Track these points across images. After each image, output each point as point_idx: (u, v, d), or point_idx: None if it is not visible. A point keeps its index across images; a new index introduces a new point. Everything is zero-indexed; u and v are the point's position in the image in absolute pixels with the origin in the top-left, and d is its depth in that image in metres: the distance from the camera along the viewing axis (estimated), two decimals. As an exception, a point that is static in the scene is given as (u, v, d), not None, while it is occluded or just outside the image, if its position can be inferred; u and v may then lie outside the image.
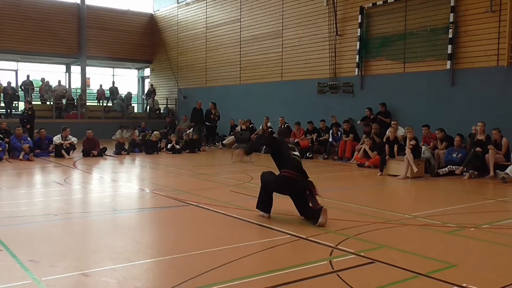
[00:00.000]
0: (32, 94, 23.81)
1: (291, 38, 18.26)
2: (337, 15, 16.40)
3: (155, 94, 26.54)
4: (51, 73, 26.47)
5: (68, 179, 10.41)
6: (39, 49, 24.09)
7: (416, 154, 11.09)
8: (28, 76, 23.84)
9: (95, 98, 26.25)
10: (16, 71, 25.70)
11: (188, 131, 18.82)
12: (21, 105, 23.84)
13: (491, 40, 12.55)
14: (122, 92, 26.45)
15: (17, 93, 22.85)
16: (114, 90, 26.03)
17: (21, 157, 13.80)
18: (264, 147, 17.18)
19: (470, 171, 10.74)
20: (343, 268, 4.41)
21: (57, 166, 12.72)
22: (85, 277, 4.17)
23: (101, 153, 15.23)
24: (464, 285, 3.99)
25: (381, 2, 15.05)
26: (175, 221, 6.61)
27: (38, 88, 24.63)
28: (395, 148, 11.73)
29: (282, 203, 6.70)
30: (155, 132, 18.35)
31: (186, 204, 7.50)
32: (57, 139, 14.93)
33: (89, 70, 26.64)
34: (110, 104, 25.65)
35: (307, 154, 15.04)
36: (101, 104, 25.67)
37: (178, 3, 25.22)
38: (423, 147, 12.01)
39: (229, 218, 6.57)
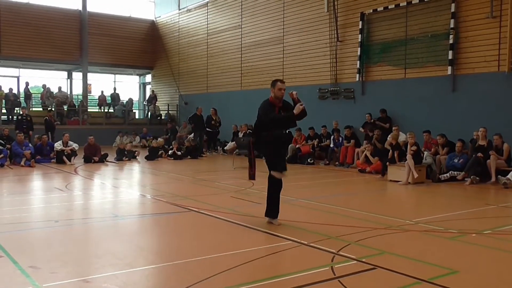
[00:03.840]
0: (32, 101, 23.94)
1: (292, 44, 18.30)
2: (338, 21, 16.44)
3: (156, 100, 26.60)
4: (53, 79, 26.55)
5: (69, 185, 10.41)
6: (40, 55, 24.15)
7: (417, 159, 11.08)
8: (27, 84, 23.83)
9: (96, 105, 26.31)
10: (17, 77, 25.76)
11: (189, 137, 18.84)
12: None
13: (491, 45, 12.55)
14: (124, 98, 26.51)
15: (18, 100, 22.90)
16: (115, 96, 26.10)
17: (22, 163, 13.83)
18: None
19: (471, 177, 10.72)
20: (345, 274, 4.39)
21: (58, 172, 12.73)
22: (86, 283, 4.16)
23: (102, 159, 15.25)
24: (466, 291, 3.98)
25: (382, 8, 15.09)
26: (176, 227, 6.60)
27: (39, 95, 24.70)
28: (396, 154, 11.74)
29: (285, 209, 6.69)
30: (159, 139, 18.38)
31: (187, 210, 7.50)
32: (58, 145, 14.96)
33: (91, 77, 26.72)
34: (111, 110, 25.71)
35: (308, 160, 15.03)
36: (102, 110, 25.72)
37: (179, 9, 25.31)
38: (425, 153, 12.00)
39: (230, 224, 6.56)
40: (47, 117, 18.93)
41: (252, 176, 6.68)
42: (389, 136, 13.09)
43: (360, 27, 15.67)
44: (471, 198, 9.41)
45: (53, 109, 22.84)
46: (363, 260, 4.83)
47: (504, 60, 12.21)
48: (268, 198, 6.47)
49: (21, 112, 19.01)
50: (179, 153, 16.83)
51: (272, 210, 6.43)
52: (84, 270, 4.54)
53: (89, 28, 25.28)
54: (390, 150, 12.10)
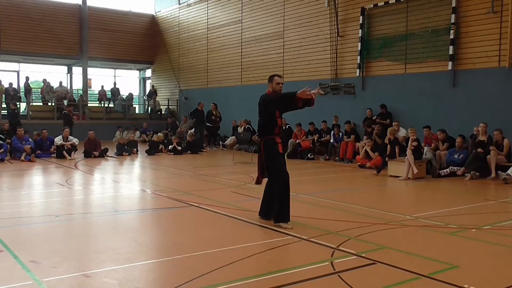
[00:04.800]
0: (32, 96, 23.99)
1: (293, 39, 18.26)
2: (338, 16, 16.40)
3: (157, 95, 26.58)
4: (53, 74, 26.50)
5: (69, 180, 10.42)
6: (40, 50, 24.11)
7: (417, 155, 11.09)
8: (27, 78, 23.80)
9: (96, 99, 26.28)
10: (17, 72, 25.72)
11: (189, 132, 18.84)
12: (23, 106, 23.90)
13: (492, 41, 12.53)
14: (124, 93, 26.49)
15: (18, 94, 22.89)
16: (115, 91, 26.06)
17: (22, 158, 13.83)
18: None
19: (471, 172, 10.73)
20: (345, 269, 4.41)
21: (58, 167, 12.74)
22: (86, 278, 4.17)
23: (102, 154, 15.25)
24: (465, 286, 3.99)
25: (382, 3, 15.04)
26: (176, 222, 6.61)
27: (39, 89, 24.68)
28: (396, 149, 11.75)
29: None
30: (159, 133, 18.39)
31: (187, 205, 7.51)
32: (58, 140, 14.96)
33: (91, 71, 26.67)
34: (111, 105, 25.69)
35: (309, 155, 15.04)
36: (102, 105, 25.70)
37: (179, 4, 25.24)
38: (425, 148, 12.01)
39: (230, 219, 6.57)
40: (65, 111, 19.29)
41: (259, 182, 6.49)
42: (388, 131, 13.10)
43: (360, 22, 15.63)
44: (471, 193, 9.42)
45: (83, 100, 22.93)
46: (363, 255, 4.84)
47: (505, 56, 12.19)
48: (280, 201, 6.07)
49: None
50: (179, 148, 16.83)
51: (287, 212, 6.09)
52: (84, 265, 4.55)
53: (89, 23, 25.22)
54: (388, 146, 12.10)
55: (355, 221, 6.41)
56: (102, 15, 25.93)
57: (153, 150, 16.44)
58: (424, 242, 5.51)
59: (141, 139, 21.86)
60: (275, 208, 6.14)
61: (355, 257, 4.80)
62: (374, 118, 14.74)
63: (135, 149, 16.71)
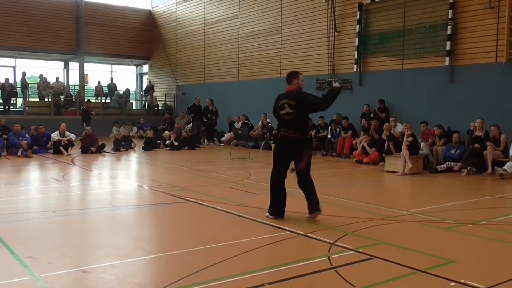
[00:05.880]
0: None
1: (290, 35, 18.23)
2: (335, 11, 16.38)
3: (154, 91, 26.51)
4: (49, 69, 26.41)
5: (66, 175, 10.40)
6: (37, 45, 24.01)
7: (413, 150, 11.11)
8: (24, 74, 23.68)
9: (93, 95, 26.21)
10: (14, 67, 25.62)
11: (186, 127, 18.82)
12: (19, 102, 23.83)
13: (489, 36, 12.54)
14: (121, 88, 26.41)
15: (15, 90, 22.82)
16: (112, 87, 25.99)
17: (19, 153, 13.79)
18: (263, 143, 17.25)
19: (468, 168, 10.75)
20: (342, 264, 4.42)
21: (55, 163, 12.72)
22: (84, 273, 4.17)
23: (100, 150, 15.23)
24: (462, 281, 4.01)
25: (380, -1, 15.04)
26: (173, 217, 6.62)
27: (36, 85, 24.59)
28: (391, 145, 11.76)
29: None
30: (166, 132, 18.38)
31: (184, 201, 7.51)
32: (55, 135, 14.92)
33: (88, 67, 26.60)
34: (108, 100, 25.62)
35: (306, 151, 15.01)
36: (99, 100, 25.63)
37: (176, -1, 25.18)
38: (422, 144, 12.02)
39: (227, 214, 6.58)
40: (84, 107, 19.43)
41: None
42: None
43: (358, 17, 15.60)
44: (467, 188, 9.45)
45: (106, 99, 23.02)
46: (360, 250, 4.85)
47: (502, 51, 12.20)
48: (314, 194, 6.31)
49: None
50: (176, 143, 16.81)
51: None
52: (82, 261, 4.55)
53: (86, 18, 25.12)
54: (386, 142, 12.12)
55: (352, 216, 6.43)
56: (99, 10, 25.81)
57: (149, 146, 16.42)
58: (420, 237, 5.53)
59: (138, 134, 21.82)
60: (315, 198, 6.29)
61: (352, 252, 4.82)
62: (372, 114, 14.72)
63: (134, 143, 16.70)
